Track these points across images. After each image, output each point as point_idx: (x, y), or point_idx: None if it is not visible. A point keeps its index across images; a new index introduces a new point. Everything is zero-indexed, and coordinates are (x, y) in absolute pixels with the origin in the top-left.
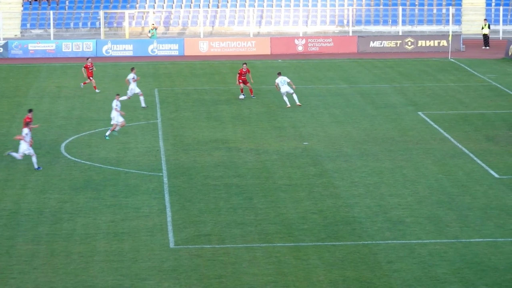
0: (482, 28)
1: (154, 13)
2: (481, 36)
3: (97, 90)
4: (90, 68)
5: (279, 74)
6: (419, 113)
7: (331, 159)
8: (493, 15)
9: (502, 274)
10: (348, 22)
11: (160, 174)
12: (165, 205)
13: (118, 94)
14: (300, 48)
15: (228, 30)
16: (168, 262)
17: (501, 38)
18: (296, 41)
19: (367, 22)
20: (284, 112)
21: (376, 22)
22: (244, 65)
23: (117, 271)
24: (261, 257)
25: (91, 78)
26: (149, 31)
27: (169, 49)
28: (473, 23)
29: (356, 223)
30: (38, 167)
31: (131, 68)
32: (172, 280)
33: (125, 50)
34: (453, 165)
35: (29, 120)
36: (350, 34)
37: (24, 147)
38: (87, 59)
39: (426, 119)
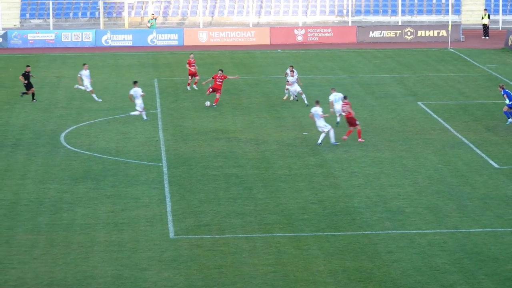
0: (482, 18)
1: (153, 3)
2: (481, 26)
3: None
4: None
5: (333, 90)
6: (419, 103)
7: (330, 149)
8: (492, 5)
9: (502, 264)
10: (347, 12)
11: (160, 164)
12: (164, 195)
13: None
14: (299, 38)
15: (228, 20)
16: (168, 252)
17: (500, 28)
18: (296, 31)
19: (367, 12)
20: (283, 102)
21: (376, 12)
22: (191, 54)
23: (117, 261)
24: (261, 247)
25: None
26: (149, 21)
27: (168, 39)
28: (472, 13)
29: (356, 213)
30: (335, 142)
31: (291, 65)
32: (172, 270)
33: (125, 40)
34: (453, 155)
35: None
36: (350, 24)
37: (321, 124)
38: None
39: (426, 109)
